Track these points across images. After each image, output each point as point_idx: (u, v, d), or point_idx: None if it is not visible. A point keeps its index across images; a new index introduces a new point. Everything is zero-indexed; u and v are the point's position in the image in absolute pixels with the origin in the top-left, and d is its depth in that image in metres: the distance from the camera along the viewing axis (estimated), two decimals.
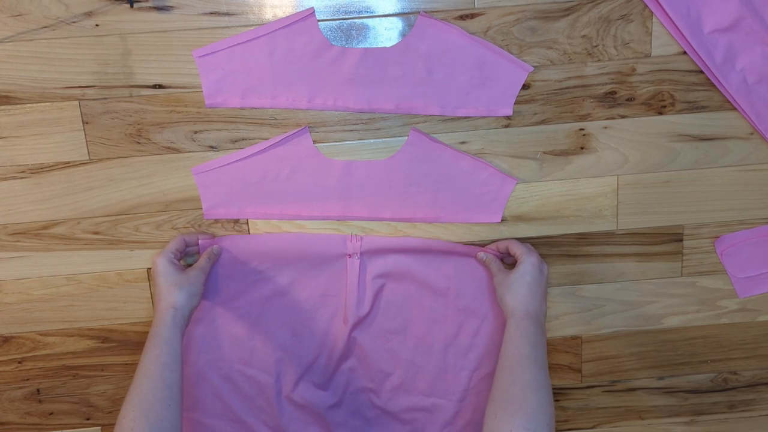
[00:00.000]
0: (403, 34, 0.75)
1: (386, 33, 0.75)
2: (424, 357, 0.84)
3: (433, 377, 0.85)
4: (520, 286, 0.74)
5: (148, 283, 0.83)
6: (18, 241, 0.81)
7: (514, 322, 0.72)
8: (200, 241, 0.79)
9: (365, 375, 0.85)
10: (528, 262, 0.75)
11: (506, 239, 0.81)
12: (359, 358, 0.84)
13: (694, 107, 0.79)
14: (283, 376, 0.84)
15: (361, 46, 0.75)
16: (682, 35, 0.75)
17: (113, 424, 0.87)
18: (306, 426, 0.85)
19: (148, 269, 0.82)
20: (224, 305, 0.82)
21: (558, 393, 0.89)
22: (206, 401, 0.84)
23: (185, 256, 0.80)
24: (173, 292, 0.72)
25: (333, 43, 0.75)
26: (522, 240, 0.81)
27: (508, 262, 0.82)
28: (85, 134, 0.77)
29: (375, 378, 0.85)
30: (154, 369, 0.67)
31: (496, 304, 0.82)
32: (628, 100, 0.78)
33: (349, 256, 0.81)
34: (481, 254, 0.80)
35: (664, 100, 0.78)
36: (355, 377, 0.85)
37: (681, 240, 0.84)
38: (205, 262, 0.78)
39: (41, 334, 0.84)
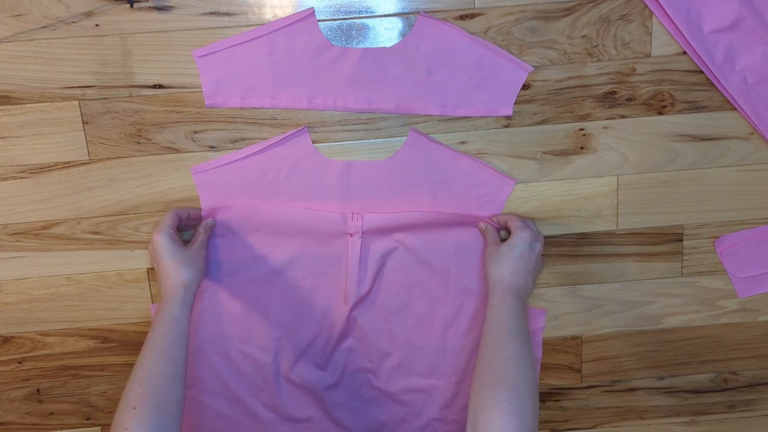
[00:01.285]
0: (403, 34, 0.75)
1: (386, 33, 0.75)
2: (423, 337, 0.84)
3: (432, 358, 0.84)
4: (506, 259, 0.74)
5: (148, 283, 0.83)
6: (18, 241, 0.81)
7: (496, 295, 0.72)
8: (202, 212, 0.79)
9: (364, 355, 0.85)
10: (520, 237, 0.74)
11: (507, 213, 0.80)
12: (358, 338, 0.84)
13: (694, 107, 0.79)
14: (281, 354, 0.83)
15: (361, 46, 0.75)
16: (682, 35, 0.75)
17: None
18: (304, 406, 0.85)
19: (149, 269, 0.82)
20: (224, 281, 0.81)
21: (558, 393, 0.90)
22: (204, 379, 0.83)
23: (180, 231, 0.79)
24: (181, 269, 0.72)
25: (333, 43, 0.75)
26: None
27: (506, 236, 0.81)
28: (85, 134, 0.77)
29: (374, 358, 0.85)
30: (162, 345, 0.67)
31: None
32: (628, 100, 0.78)
33: (350, 235, 0.80)
34: (481, 224, 0.80)
35: (664, 100, 0.78)
36: (353, 357, 0.85)
37: (681, 240, 0.84)
38: (203, 236, 0.77)
39: (41, 334, 0.84)
